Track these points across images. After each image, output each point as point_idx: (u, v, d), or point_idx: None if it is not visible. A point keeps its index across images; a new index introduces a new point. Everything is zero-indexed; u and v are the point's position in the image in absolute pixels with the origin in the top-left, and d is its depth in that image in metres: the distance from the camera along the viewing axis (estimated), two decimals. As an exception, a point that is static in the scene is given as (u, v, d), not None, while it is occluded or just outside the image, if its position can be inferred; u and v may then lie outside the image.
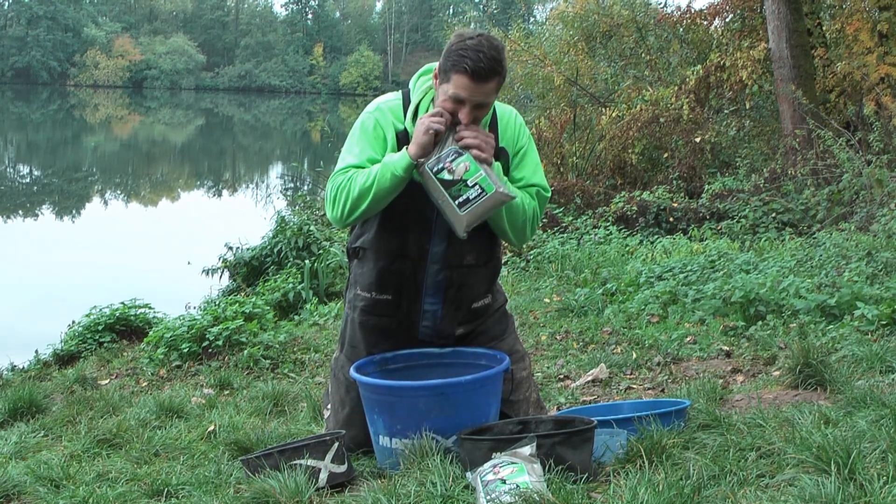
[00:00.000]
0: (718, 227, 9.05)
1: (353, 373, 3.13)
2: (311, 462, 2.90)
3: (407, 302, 3.18)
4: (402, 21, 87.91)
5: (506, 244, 3.81)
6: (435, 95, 3.05)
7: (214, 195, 25.00)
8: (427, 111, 3.05)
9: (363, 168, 3.03)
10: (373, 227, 3.15)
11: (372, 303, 3.21)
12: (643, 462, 2.76)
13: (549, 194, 3.25)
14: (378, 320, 3.23)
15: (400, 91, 3.18)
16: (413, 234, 3.11)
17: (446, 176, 2.91)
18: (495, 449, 2.71)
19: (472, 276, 3.18)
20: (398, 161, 2.95)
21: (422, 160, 2.94)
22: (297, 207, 12.58)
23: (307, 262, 8.72)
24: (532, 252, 8.68)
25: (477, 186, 2.90)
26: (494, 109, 3.17)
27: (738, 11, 13.60)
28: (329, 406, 3.41)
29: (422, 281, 3.14)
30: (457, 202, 2.91)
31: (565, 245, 8.70)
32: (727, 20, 14.14)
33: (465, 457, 2.79)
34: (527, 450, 2.66)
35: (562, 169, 12.46)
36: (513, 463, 2.62)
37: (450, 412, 2.94)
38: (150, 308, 7.33)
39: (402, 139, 3.05)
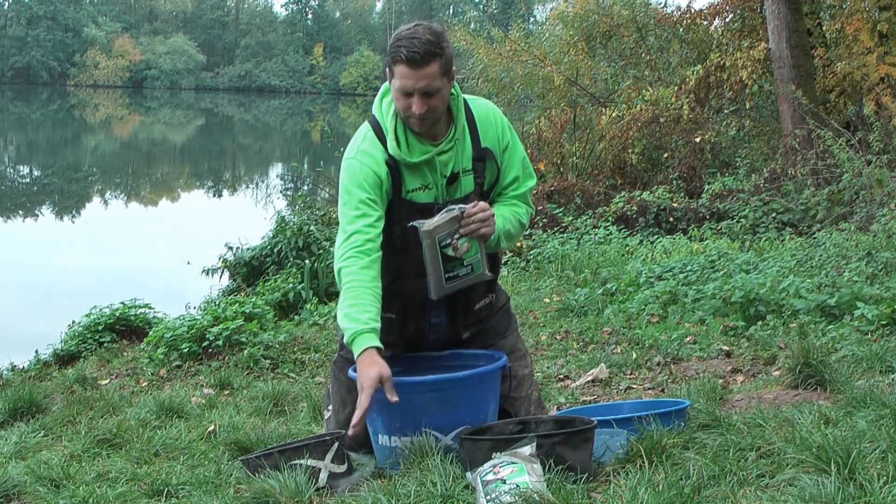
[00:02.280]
0: (718, 227, 9.05)
1: (352, 373, 3.13)
2: (311, 462, 2.90)
3: (414, 322, 3.16)
4: (402, 21, 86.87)
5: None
6: (394, 101, 3.01)
7: (214, 195, 25.00)
8: (406, 132, 3.01)
9: (365, 228, 2.96)
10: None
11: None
12: (643, 462, 2.76)
13: (535, 182, 3.28)
14: (385, 337, 3.12)
15: (366, 122, 3.13)
16: (412, 252, 3.05)
17: (450, 252, 2.99)
18: (495, 449, 2.71)
19: None
20: (356, 348, 2.88)
21: (428, 229, 2.95)
22: (297, 207, 12.56)
23: (307, 262, 8.72)
24: (532, 252, 8.68)
25: (469, 266, 3.02)
26: (470, 109, 3.13)
27: (738, 11, 13.60)
28: (330, 407, 3.41)
29: (426, 296, 3.09)
30: (447, 276, 3.02)
31: (565, 245, 8.70)
32: (727, 20, 14.14)
33: (465, 457, 2.79)
34: (527, 450, 2.66)
35: (562, 169, 12.46)
36: (513, 463, 2.62)
37: (448, 408, 2.95)
38: (150, 308, 7.33)
39: (393, 166, 3.02)
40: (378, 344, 2.89)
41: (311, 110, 64.52)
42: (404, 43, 2.90)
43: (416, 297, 3.12)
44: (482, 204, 2.98)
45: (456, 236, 2.97)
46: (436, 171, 3.06)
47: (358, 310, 2.91)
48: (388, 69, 2.99)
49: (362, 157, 3.04)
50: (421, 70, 2.89)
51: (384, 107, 3.07)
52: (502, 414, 3.16)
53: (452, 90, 3.06)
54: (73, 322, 7.30)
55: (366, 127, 3.12)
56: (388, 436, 3.01)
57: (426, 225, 2.97)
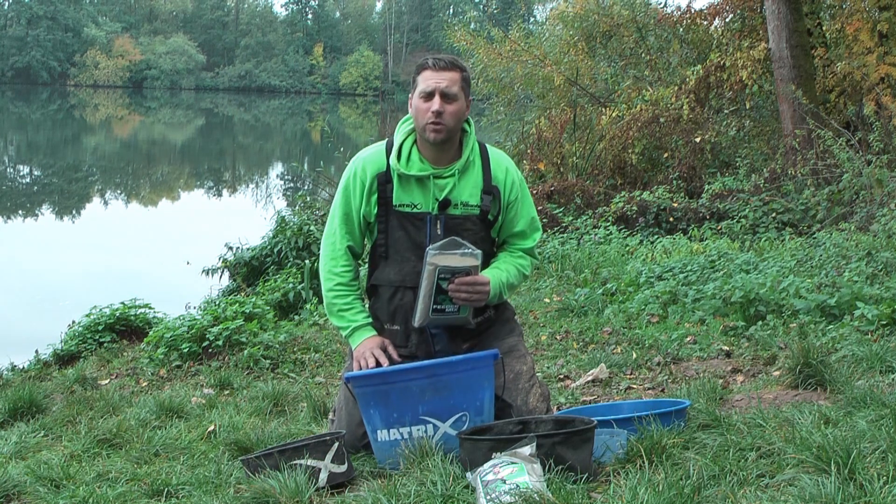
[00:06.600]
0: (718, 227, 9.05)
1: (346, 374, 3.19)
2: (311, 462, 2.91)
3: (416, 333, 3.31)
4: (402, 21, 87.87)
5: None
6: (413, 118, 3.27)
7: (214, 195, 25.00)
8: (410, 150, 3.28)
9: (343, 253, 3.36)
10: (378, 263, 3.36)
11: (385, 333, 3.37)
12: (643, 462, 2.76)
13: (541, 234, 3.54)
14: (395, 349, 3.36)
15: (385, 140, 3.40)
16: (410, 263, 3.26)
17: (444, 285, 3.14)
18: (495, 449, 2.72)
19: None
20: (352, 339, 3.35)
21: (435, 260, 3.13)
22: (297, 207, 12.57)
23: (307, 262, 8.72)
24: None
25: (457, 307, 3.20)
26: (486, 149, 3.36)
27: (738, 11, 13.60)
28: (333, 409, 3.46)
29: None
30: (434, 307, 3.18)
31: (565, 245, 8.70)
32: (727, 20, 14.14)
33: (465, 457, 2.79)
34: (527, 450, 2.66)
35: (562, 169, 12.46)
36: (513, 463, 2.62)
37: (444, 393, 3.04)
38: (150, 308, 7.32)
39: (382, 180, 3.28)
40: (374, 333, 3.34)
41: (311, 110, 64.52)
42: (431, 55, 3.31)
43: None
44: (479, 278, 3.18)
45: (458, 278, 3.12)
46: (429, 191, 3.26)
47: (352, 312, 3.36)
48: (412, 86, 3.28)
49: (357, 165, 3.35)
50: (444, 73, 3.23)
51: (403, 127, 3.35)
52: (502, 407, 3.20)
53: (466, 126, 3.32)
54: (73, 322, 7.29)
55: (381, 143, 3.41)
56: (387, 429, 3.05)
57: (435, 256, 3.12)
